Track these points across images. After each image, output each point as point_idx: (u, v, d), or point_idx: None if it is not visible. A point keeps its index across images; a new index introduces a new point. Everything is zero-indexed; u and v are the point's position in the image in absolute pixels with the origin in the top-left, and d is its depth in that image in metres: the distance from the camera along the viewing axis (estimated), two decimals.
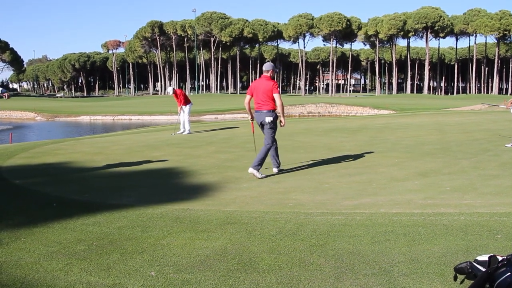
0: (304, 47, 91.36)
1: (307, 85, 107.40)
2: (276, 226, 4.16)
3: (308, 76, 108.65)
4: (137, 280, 3.02)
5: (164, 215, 4.58)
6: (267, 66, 6.93)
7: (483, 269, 2.66)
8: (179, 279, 3.03)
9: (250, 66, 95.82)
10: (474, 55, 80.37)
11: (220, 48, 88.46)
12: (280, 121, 6.95)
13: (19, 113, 42.70)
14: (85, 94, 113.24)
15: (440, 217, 4.34)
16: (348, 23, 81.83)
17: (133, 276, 3.08)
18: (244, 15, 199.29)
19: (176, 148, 10.32)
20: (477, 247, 3.51)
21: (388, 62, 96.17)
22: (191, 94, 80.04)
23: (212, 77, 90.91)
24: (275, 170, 7.01)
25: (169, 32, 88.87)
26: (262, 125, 6.89)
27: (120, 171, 7.38)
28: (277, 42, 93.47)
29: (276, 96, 6.69)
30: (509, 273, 2.47)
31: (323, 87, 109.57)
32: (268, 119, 6.71)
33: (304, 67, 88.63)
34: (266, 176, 6.64)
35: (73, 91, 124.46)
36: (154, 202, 5.11)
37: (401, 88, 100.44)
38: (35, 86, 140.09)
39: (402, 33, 78.91)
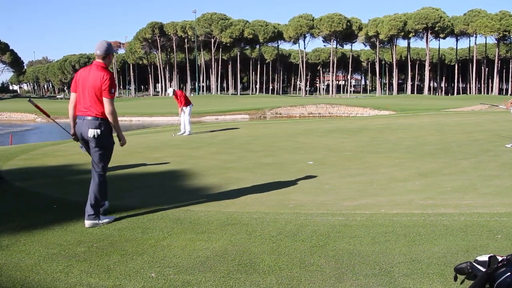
0: (305, 48, 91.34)
1: (308, 86, 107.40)
2: (276, 227, 4.16)
3: (308, 77, 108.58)
4: (138, 281, 3.02)
5: (165, 216, 4.59)
6: (102, 48, 4.32)
7: (483, 269, 2.66)
8: (180, 281, 3.03)
9: (251, 67, 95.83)
10: (474, 56, 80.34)
11: (221, 49, 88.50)
12: (118, 138, 4.61)
13: (19, 115, 42.73)
14: None
15: (440, 217, 4.35)
16: (348, 23, 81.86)
17: (134, 278, 3.08)
18: (245, 16, 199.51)
19: (176, 149, 10.32)
20: (477, 247, 3.51)
21: (389, 62, 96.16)
22: (192, 95, 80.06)
23: (213, 78, 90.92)
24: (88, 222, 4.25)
25: (169, 33, 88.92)
26: (86, 141, 4.45)
27: (120, 172, 7.38)
28: (278, 43, 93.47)
29: (106, 101, 4.23)
30: (509, 273, 2.47)
31: (323, 88, 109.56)
32: (92, 132, 4.28)
33: (304, 68, 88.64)
34: (115, 220, 4.44)
35: None
36: (154, 203, 5.11)
37: (401, 89, 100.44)
38: (35, 87, 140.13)
39: (402, 33, 78.90)
